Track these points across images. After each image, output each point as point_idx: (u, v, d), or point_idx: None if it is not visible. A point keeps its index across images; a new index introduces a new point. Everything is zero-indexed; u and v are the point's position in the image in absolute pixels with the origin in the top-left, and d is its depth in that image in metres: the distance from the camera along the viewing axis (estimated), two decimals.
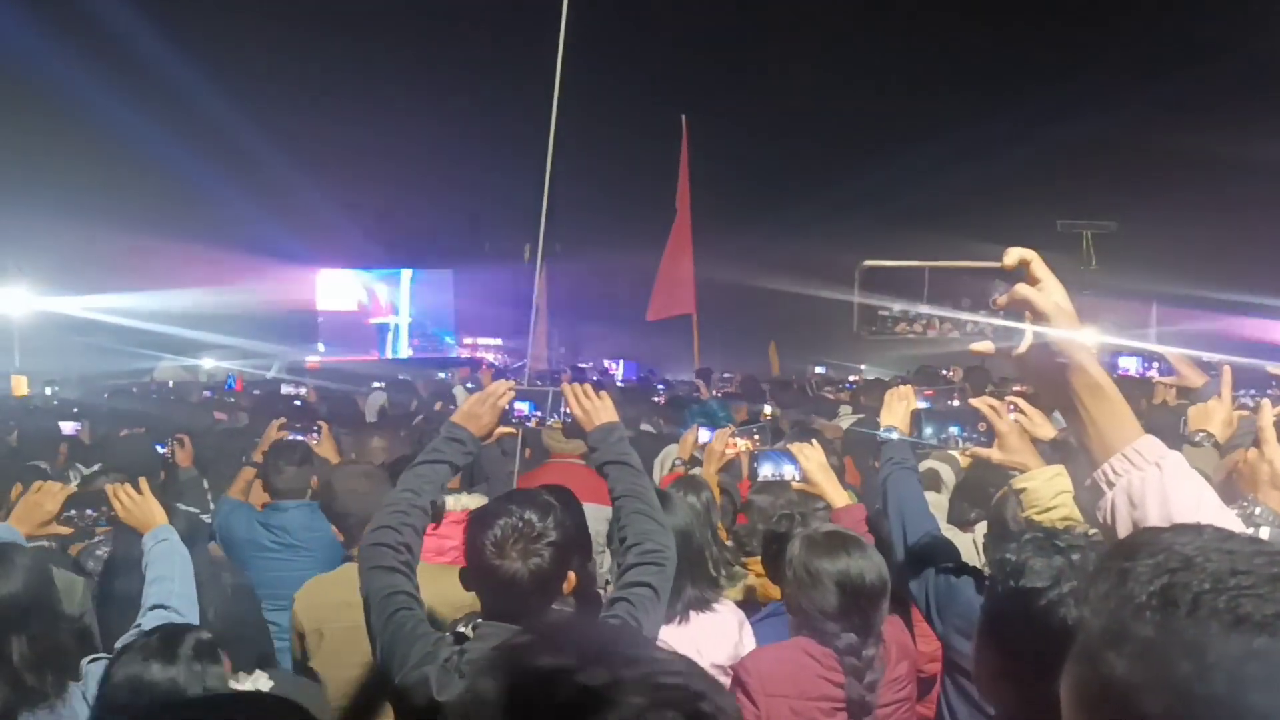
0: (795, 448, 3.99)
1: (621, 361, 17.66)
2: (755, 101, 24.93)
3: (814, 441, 4.10)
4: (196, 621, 2.92)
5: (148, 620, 2.85)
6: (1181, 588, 0.90)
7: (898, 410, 3.60)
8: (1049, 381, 1.46)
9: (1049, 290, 1.42)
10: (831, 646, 2.93)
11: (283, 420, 5.31)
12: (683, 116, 15.81)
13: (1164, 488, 1.37)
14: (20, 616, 2.51)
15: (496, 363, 22.59)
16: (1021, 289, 1.41)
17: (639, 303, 16.98)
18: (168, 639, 2.48)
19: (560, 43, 4.01)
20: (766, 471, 4.25)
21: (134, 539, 3.25)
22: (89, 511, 3.31)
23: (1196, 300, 17.97)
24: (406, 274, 30.86)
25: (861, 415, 7.80)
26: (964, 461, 4.90)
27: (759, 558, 4.06)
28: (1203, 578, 0.90)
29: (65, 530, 3.30)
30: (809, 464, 3.87)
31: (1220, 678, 0.85)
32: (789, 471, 4.14)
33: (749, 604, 3.95)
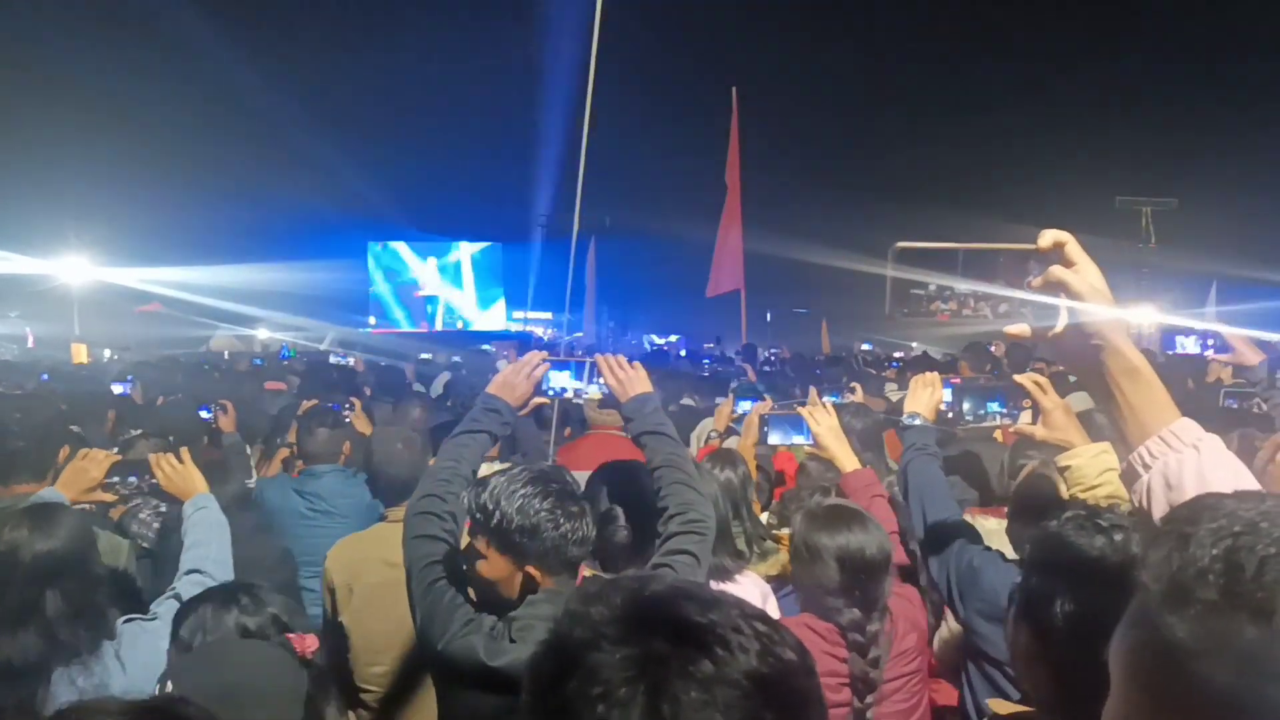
0: (806, 412, 3.93)
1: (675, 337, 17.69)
2: (806, 75, 24.78)
3: (827, 406, 4.03)
4: None
5: (183, 585, 2.89)
6: (1247, 551, 0.88)
7: (922, 397, 3.55)
8: (1084, 363, 1.44)
9: (1084, 272, 1.39)
10: (834, 622, 2.87)
11: (314, 402, 5.36)
12: (733, 89, 15.67)
13: (1201, 470, 1.35)
14: (58, 573, 2.56)
15: (546, 338, 22.69)
16: (1057, 270, 1.39)
17: (689, 278, 16.95)
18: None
19: (596, 17, 3.97)
20: (776, 439, 4.18)
21: (174, 504, 3.30)
22: (132, 479, 3.35)
23: (1257, 280, 17.57)
24: (457, 248, 30.99)
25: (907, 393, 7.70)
26: (1000, 438, 4.80)
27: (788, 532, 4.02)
28: (1268, 542, 0.88)
29: (110, 497, 3.36)
30: (819, 428, 3.81)
31: None
32: (798, 439, 4.08)
33: (784, 580, 3.90)
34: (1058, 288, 1.39)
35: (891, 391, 8.41)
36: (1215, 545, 0.90)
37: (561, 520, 2.36)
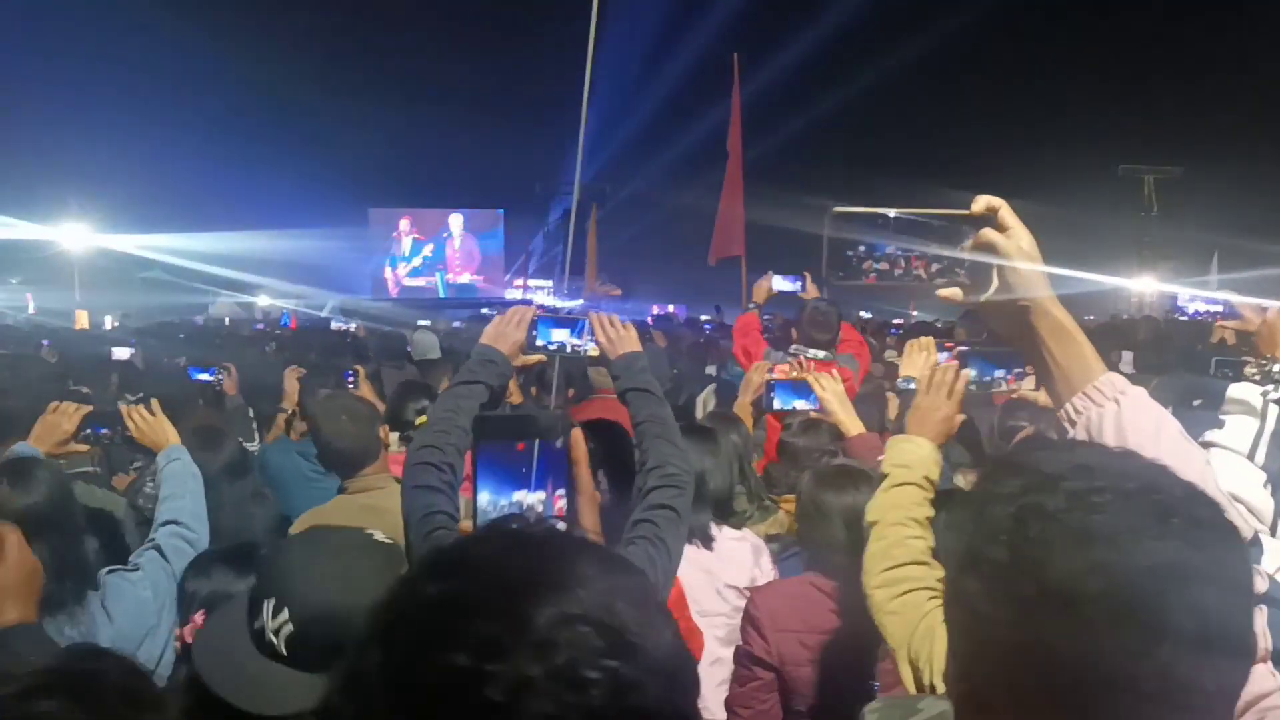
0: (812, 378, 3.95)
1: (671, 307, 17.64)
2: (805, 43, 24.62)
3: (834, 372, 4.07)
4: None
5: (161, 536, 2.92)
6: (1036, 508, 0.90)
7: (917, 360, 3.56)
8: (1014, 324, 1.47)
9: (1016, 236, 1.43)
10: (840, 581, 2.92)
11: (301, 371, 5.36)
12: (734, 55, 15.56)
13: (1121, 421, 1.39)
14: (40, 526, 2.57)
15: (547, 304, 22.68)
16: (988, 233, 1.43)
17: (689, 243, 16.91)
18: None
19: None
20: (780, 404, 4.21)
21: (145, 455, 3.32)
22: (104, 430, 3.37)
23: (1260, 250, 17.53)
24: (458, 216, 30.92)
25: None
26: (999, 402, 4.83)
27: (791, 496, 4.06)
28: (1059, 497, 0.90)
29: (83, 448, 3.37)
30: (825, 393, 3.84)
31: (1061, 596, 0.86)
32: (801, 404, 4.10)
33: (784, 541, 3.95)
34: (990, 251, 1.43)
35: (891, 357, 8.45)
36: (1011, 503, 0.92)
37: None
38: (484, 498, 1.46)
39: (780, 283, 6.31)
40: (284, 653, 1.83)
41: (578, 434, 1.51)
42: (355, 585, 2.00)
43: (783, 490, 4.14)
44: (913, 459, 2.37)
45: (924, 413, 2.64)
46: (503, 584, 0.77)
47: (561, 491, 1.48)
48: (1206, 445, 3.10)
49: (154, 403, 3.38)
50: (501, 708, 0.71)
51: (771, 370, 5.11)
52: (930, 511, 2.30)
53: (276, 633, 1.86)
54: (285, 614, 1.86)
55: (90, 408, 3.38)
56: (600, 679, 0.73)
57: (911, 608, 2.07)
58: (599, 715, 0.72)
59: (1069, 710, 0.88)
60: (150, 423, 3.31)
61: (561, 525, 1.47)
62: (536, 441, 1.49)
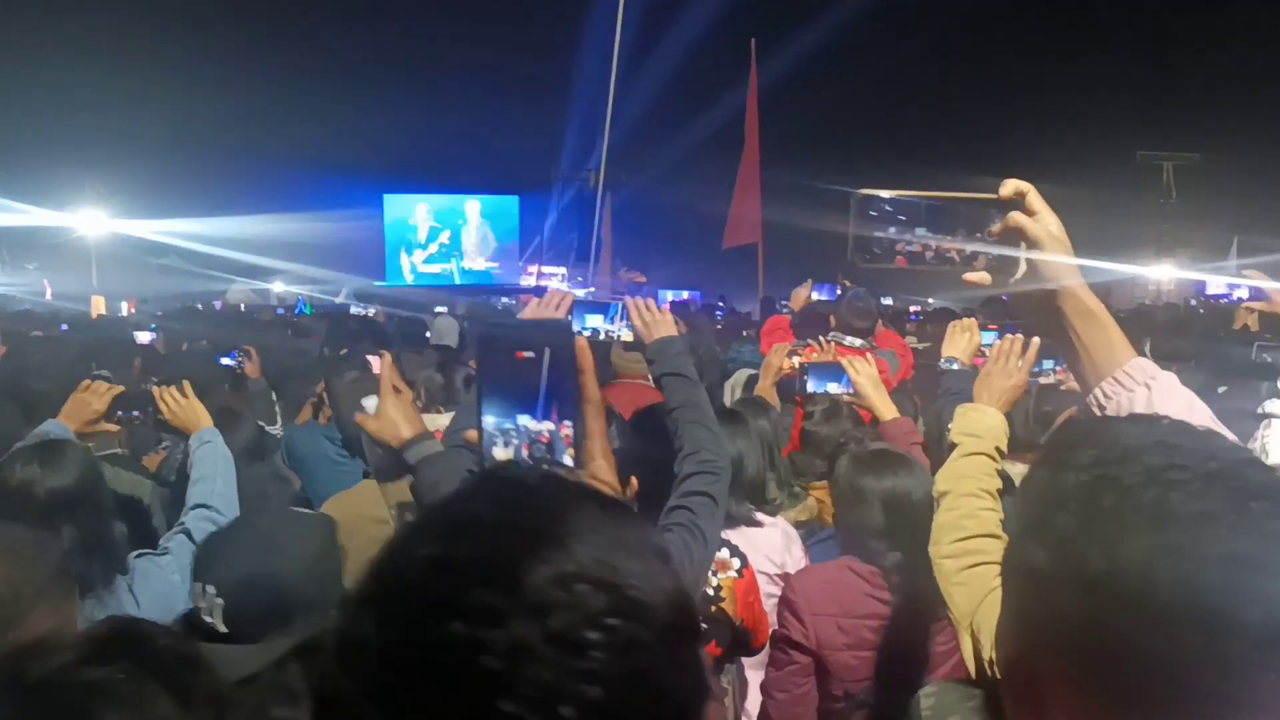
0: (846, 361, 3.93)
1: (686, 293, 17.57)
2: (823, 29, 24.48)
3: (868, 355, 4.04)
4: None
5: (190, 519, 2.92)
6: (1112, 480, 0.87)
7: (960, 341, 3.54)
8: (1041, 309, 1.46)
9: (1044, 220, 1.42)
10: (877, 564, 2.90)
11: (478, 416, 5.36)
12: (752, 41, 15.49)
13: (1151, 405, 1.37)
14: (69, 507, 2.58)
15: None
16: (1016, 217, 1.42)
17: (705, 230, 16.85)
18: None
19: None
20: (814, 386, 4.19)
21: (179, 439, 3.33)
22: (135, 413, 3.38)
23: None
24: (472, 201, 30.91)
25: (927, 345, 7.72)
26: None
27: (822, 482, 4.04)
28: (1136, 471, 0.87)
29: (113, 428, 3.39)
30: (859, 377, 3.81)
31: (1131, 574, 0.83)
32: (834, 388, 4.07)
33: (811, 526, 3.94)
34: (1017, 235, 1.42)
35: (911, 343, 8.42)
36: (1083, 473, 0.90)
37: None
38: (489, 421, 1.34)
39: (818, 294, 6.37)
40: (224, 629, 1.93)
41: (582, 342, 1.38)
42: (278, 552, 2.07)
43: (809, 479, 4.12)
44: (982, 428, 2.34)
45: (994, 382, 2.64)
46: (495, 544, 0.74)
47: (569, 423, 1.35)
48: (1264, 417, 3.07)
49: (185, 385, 3.39)
50: (501, 675, 0.68)
51: (792, 354, 5.09)
52: (1000, 483, 2.28)
53: (211, 612, 1.96)
54: (214, 589, 1.97)
55: (121, 388, 3.39)
56: (601, 639, 0.70)
57: (979, 580, 2.05)
58: (601, 677, 0.69)
59: (1121, 693, 0.85)
60: (182, 405, 3.32)
61: (569, 457, 1.36)
62: (546, 352, 1.35)
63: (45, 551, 2.00)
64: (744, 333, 8.93)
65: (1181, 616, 0.81)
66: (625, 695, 0.70)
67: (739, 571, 3.02)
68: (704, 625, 3.00)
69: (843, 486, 2.99)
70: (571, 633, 0.69)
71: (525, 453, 1.34)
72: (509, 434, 1.34)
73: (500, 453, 1.33)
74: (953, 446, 2.36)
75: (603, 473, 1.29)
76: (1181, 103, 23.88)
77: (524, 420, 1.35)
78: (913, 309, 17.75)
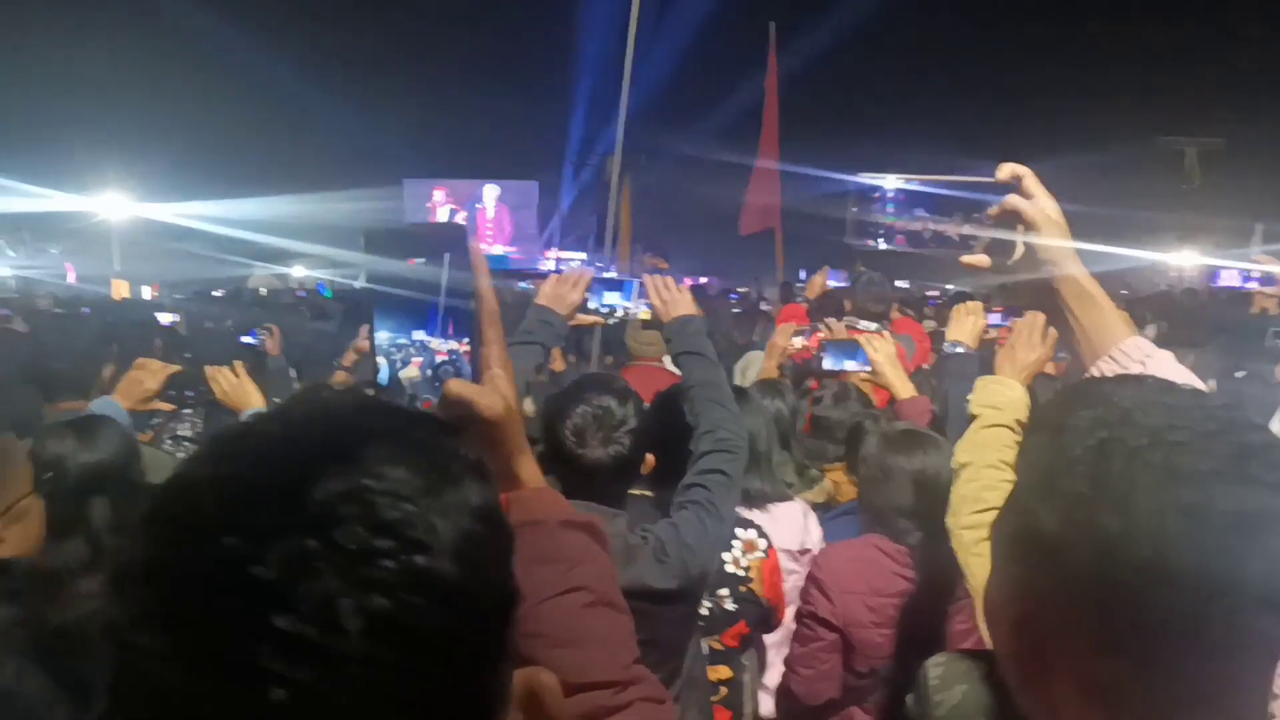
0: (864, 339, 3.94)
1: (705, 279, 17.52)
2: (840, 10, 24.31)
3: (885, 334, 4.05)
4: None
5: None
6: (1118, 442, 0.90)
7: (965, 325, 3.56)
8: (1038, 290, 1.49)
9: (1041, 203, 1.44)
10: (905, 543, 2.92)
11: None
12: (770, 25, 15.42)
13: None
14: (103, 482, 2.62)
15: None
16: (1013, 200, 1.44)
17: (725, 216, 16.79)
18: None
19: None
20: (830, 364, 4.20)
21: (225, 419, 3.39)
22: (188, 393, 3.44)
23: None
24: (490, 186, 30.93)
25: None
26: (1052, 370, 4.80)
27: (835, 465, 4.05)
28: (1139, 432, 0.90)
29: (167, 406, 3.46)
30: (877, 355, 3.82)
31: (1144, 530, 0.86)
32: (851, 365, 4.08)
33: (827, 508, 3.95)
34: (1014, 218, 1.44)
35: (930, 328, 8.41)
36: (1089, 435, 0.92)
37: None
38: (381, 336, 1.21)
39: (833, 279, 6.39)
40: None
41: (475, 245, 1.23)
42: None
43: (821, 462, 4.14)
44: (1004, 400, 2.35)
45: (1017, 355, 2.66)
46: (282, 457, 0.69)
47: (467, 339, 1.22)
48: None
49: (238, 365, 3.46)
50: (274, 587, 0.61)
51: (798, 335, 5.10)
52: None
53: None
54: None
55: (177, 367, 3.45)
56: (390, 547, 0.64)
57: None
58: (389, 587, 0.63)
59: (1134, 650, 0.88)
60: (235, 384, 3.39)
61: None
62: (446, 258, 1.19)
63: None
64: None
65: (1195, 572, 0.84)
66: (418, 605, 0.64)
67: (764, 552, 3.05)
68: (733, 605, 3.03)
69: (871, 465, 3.01)
70: (356, 542, 0.64)
71: (430, 373, 1.22)
72: (406, 350, 1.22)
73: (406, 373, 1.21)
74: (973, 418, 2.37)
75: (499, 382, 1.21)
76: (1205, 87, 23.65)
77: (420, 335, 1.23)
78: (931, 294, 17.69)
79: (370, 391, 0.82)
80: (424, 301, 1.21)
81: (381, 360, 1.19)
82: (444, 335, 1.22)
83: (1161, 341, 1.59)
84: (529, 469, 1.24)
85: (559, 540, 1.19)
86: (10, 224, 24.92)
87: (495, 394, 1.18)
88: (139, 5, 24.61)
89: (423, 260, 1.20)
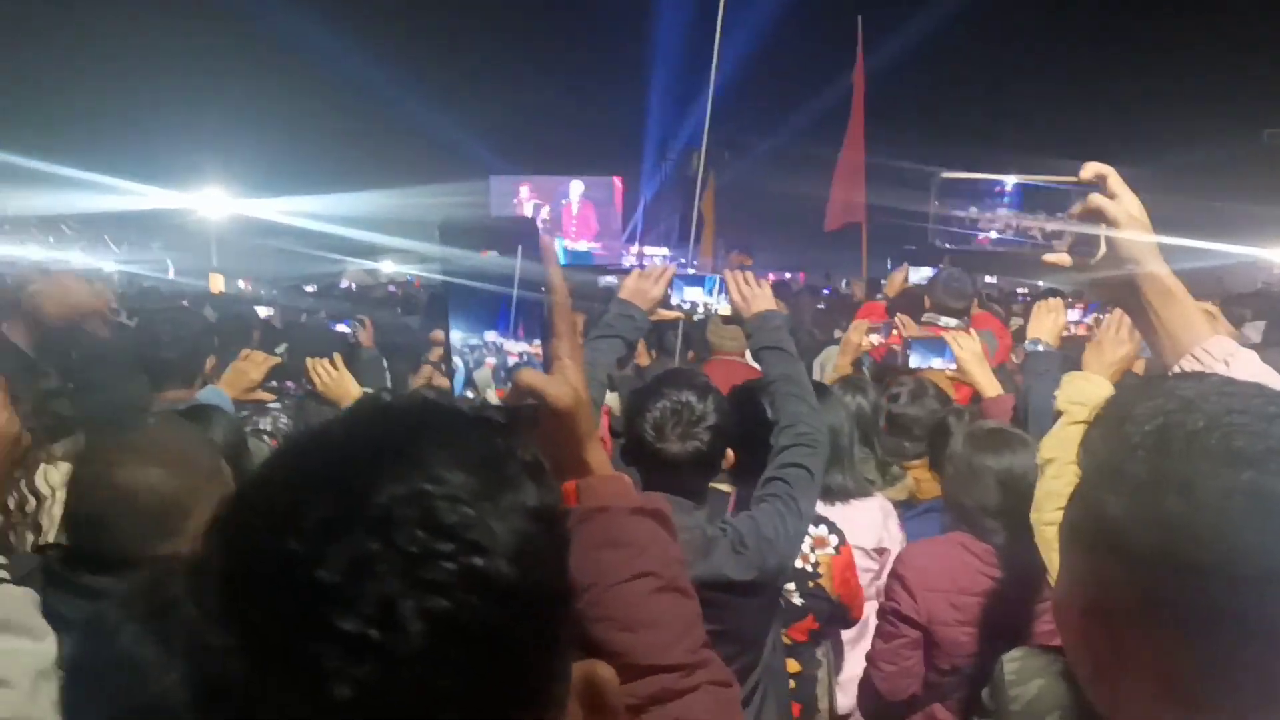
0: (950, 336, 3.91)
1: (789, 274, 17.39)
2: (931, 3, 23.95)
3: (971, 331, 4.01)
4: None
5: None
6: (1176, 427, 0.91)
7: (1046, 322, 3.51)
8: (1121, 289, 1.48)
9: (1124, 201, 1.44)
10: (990, 542, 2.90)
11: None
12: (858, 19, 15.26)
13: None
14: None
15: None
16: (1096, 199, 1.44)
17: (810, 211, 16.66)
18: None
19: None
20: (916, 361, 4.17)
21: (315, 411, 3.50)
22: (288, 384, 3.57)
23: None
24: (575, 183, 31.15)
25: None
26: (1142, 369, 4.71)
27: (916, 462, 4.03)
28: (1198, 417, 0.91)
29: (269, 397, 3.59)
30: (963, 352, 3.78)
31: (1207, 512, 0.87)
32: (937, 363, 4.05)
33: (908, 505, 3.93)
34: (1097, 216, 1.44)
35: (1018, 325, 8.28)
36: (1149, 423, 0.93)
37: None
38: (456, 337, 1.20)
39: (915, 275, 6.31)
40: None
41: (546, 238, 1.20)
42: None
43: (899, 459, 4.12)
44: (1090, 397, 2.31)
45: (1104, 351, 2.63)
46: (345, 461, 0.71)
47: (538, 340, 1.21)
48: None
49: (336, 358, 3.56)
50: (339, 589, 0.64)
51: (872, 332, 5.07)
52: None
53: None
54: None
55: (278, 359, 3.58)
56: (451, 550, 0.67)
57: None
58: (450, 589, 0.66)
59: (1200, 625, 0.89)
60: (334, 377, 3.51)
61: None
62: (519, 250, 1.17)
63: (201, 450, 2.06)
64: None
65: (1257, 548, 0.86)
66: (476, 605, 0.67)
67: (836, 549, 3.05)
68: (800, 600, 3.05)
69: (957, 463, 2.99)
70: (416, 544, 0.66)
71: (503, 374, 1.21)
72: (479, 350, 1.21)
73: (480, 373, 1.20)
74: (1058, 414, 2.35)
75: (569, 371, 1.21)
76: None
77: (492, 336, 1.22)
78: (1020, 290, 17.37)
79: (432, 394, 0.84)
80: (497, 298, 1.19)
81: (457, 360, 1.20)
82: (515, 336, 1.21)
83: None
84: (598, 457, 1.26)
85: (627, 526, 1.20)
86: (116, 221, 25.83)
87: (565, 383, 1.19)
88: (236, 12, 25.34)
89: (495, 252, 1.18)
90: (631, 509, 1.23)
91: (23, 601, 1.44)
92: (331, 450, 0.73)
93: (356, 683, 0.63)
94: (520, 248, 1.17)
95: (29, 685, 1.36)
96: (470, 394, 1.20)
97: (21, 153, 19.94)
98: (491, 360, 1.21)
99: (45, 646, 1.42)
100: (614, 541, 1.18)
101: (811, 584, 3.02)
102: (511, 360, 1.21)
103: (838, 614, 3.14)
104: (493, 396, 1.19)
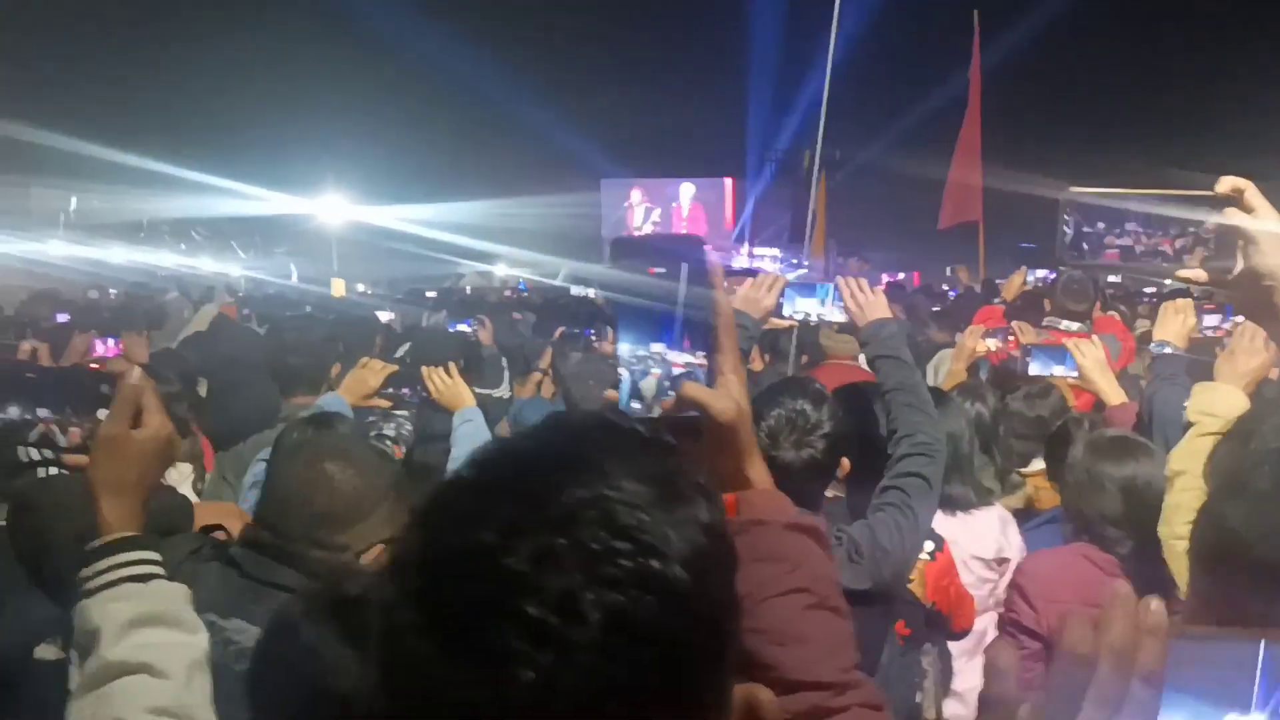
0: (1072, 343, 3.82)
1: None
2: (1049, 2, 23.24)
3: (1093, 338, 3.91)
4: None
5: None
6: None
7: (1173, 324, 3.40)
8: (1258, 303, 1.42)
9: (1262, 216, 1.39)
10: (1114, 553, 2.83)
11: (562, 329, 5.64)
12: (975, 12, 14.94)
13: None
14: None
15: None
16: (1233, 213, 1.40)
17: (924, 210, 16.35)
18: None
19: None
20: (1037, 369, 4.09)
21: (432, 416, 3.60)
22: (405, 390, 3.67)
23: None
24: (685, 186, 31.17)
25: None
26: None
27: (1035, 470, 3.96)
28: None
29: (385, 404, 3.69)
30: (1085, 360, 3.70)
31: None
32: (1059, 370, 3.97)
33: (1027, 514, 3.86)
34: (1234, 232, 1.40)
35: (1143, 329, 8.02)
36: (1273, 439, 0.95)
37: None
38: (624, 349, 1.24)
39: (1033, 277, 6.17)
40: None
41: (713, 257, 1.24)
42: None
43: (1016, 463, 4.05)
44: (1222, 408, 2.25)
45: (1236, 360, 2.54)
46: (533, 468, 0.78)
47: (702, 353, 1.23)
48: None
49: (451, 365, 3.66)
50: (525, 577, 0.70)
51: (987, 337, 4.97)
52: None
53: None
54: None
55: (395, 367, 3.69)
56: (627, 549, 0.71)
57: None
58: (624, 585, 0.71)
59: None
60: (449, 384, 3.60)
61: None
62: (684, 268, 1.20)
63: (384, 467, 2.22)
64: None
65: None
66: (651, 604, 0.71)
67: (931, 555, 3.01)
68: (893, 603, 3.02)
69: (1078, 472, 2.94)
70: (596, 541, 0.71)
71: (666, 384, 1.24)
72: (645, 361, 1.24)
73: (645, 384, 1.24)
74: (1189, 425, 2.29)
75: (732, 386, 1.23)
76: None
77: (658, 348, 1.25)
78: (1147, 289, 16.78)
79: (609, 414, 0.91)
80: (663, 313, 1.24)
81: (623, 371, 1.25)
82: (680, 348, 1.25)
83: None
84: (758, 471, 1.28)
85: (783, 541, 1.23)
86: (242, 227, 26.82)
87: (728, 398, 1.22)
88: (359, 32, 26.15)
89: (662, 271, 1.23)
90: (787, 524, 1.25)
91: (176, 596, 1.53)
92: (520, 458, 0.81)
93: (536, 665, 0.68)
94: (685, 266, 1.21)
95: (184, 676, 1.46)
96: (636, 404, 1.25)
97: (158, 158, 20.89)
98: (657, 371, 1.25)
99: (198, 639, 1.52)
100: (769, 555, 1.21)
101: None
102: (676, 371, 1.25)
103: (934, 622, 3.09)
104: (657, 408, 1.23)
